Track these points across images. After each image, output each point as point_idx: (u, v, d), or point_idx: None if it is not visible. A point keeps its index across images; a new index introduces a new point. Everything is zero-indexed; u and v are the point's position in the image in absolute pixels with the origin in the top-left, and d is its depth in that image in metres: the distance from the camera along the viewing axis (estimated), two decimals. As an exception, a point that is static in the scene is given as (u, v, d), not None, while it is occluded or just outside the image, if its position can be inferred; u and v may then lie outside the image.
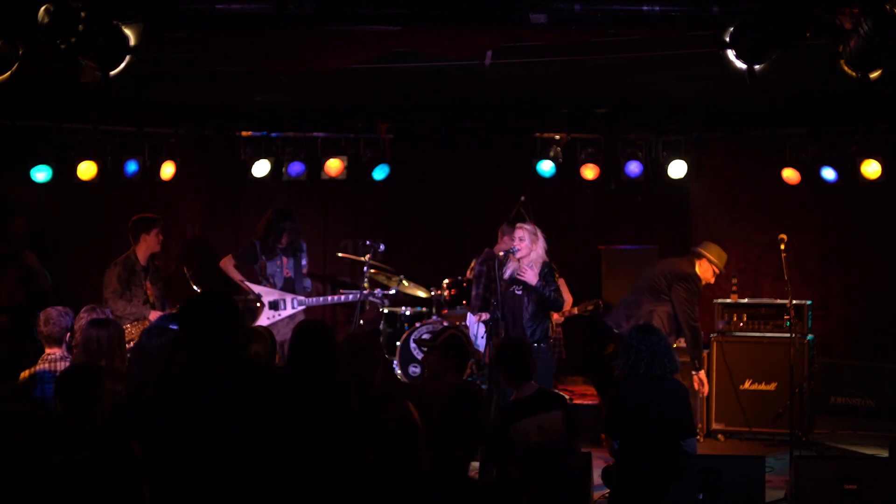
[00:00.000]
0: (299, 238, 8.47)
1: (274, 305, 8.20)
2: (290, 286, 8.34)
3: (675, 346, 7.09)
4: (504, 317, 7.38)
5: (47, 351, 5.57)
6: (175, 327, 5.65)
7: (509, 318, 7.39)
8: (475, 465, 5.73)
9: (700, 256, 7.73)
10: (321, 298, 8.49)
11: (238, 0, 5.41)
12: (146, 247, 7.81)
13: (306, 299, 8.33)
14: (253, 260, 8.42)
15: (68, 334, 5.61)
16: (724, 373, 8.54)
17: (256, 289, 8.24)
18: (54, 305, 5.82)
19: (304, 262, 8.48)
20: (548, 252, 7.33)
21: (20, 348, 5.79)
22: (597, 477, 5.67)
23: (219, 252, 9.15)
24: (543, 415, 5.18)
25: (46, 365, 5.47)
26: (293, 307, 8.24)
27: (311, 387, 4.07)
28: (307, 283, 8.55)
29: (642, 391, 5.29)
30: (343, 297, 8.54)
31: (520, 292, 7.36)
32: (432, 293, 9.27)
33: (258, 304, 8.22)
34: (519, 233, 7.41)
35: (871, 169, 8.83)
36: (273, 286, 8.30)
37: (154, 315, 7.54)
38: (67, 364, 5.40)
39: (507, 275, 7.44)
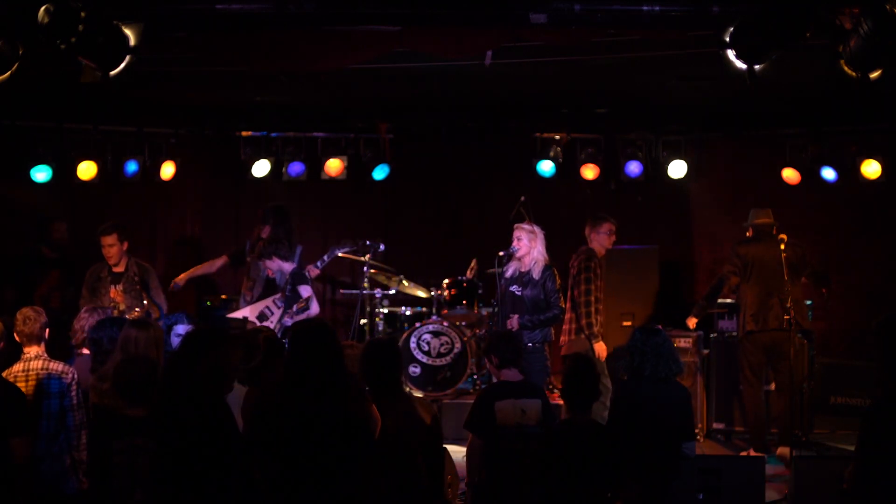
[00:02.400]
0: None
1: (262, 317, 7.93)
2: (272, 287, 8.11)
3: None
4: (504, 315, 7.40)
5: (25, 350, 5.56)
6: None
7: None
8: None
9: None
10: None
11: (238, 0, 5.41)
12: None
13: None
14: (241, 262, 8.34)
15: (47, 331, 5.62)
16: (724, 373, 8.54)
17: (239, 314, 8.01)
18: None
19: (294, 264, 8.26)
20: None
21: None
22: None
23: (217, 251, 9.14)
24: (526, 400, 5.45)
25: (22, 365, 5.47)
26: (278, 307, 7.99)
27: (311, 389, 4.05)
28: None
29: (647, 392, 5.28)
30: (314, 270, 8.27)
31: (519, 293, 7.37)
32: (432, 293, 9.27)
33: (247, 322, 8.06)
34: (517, 233, 7.42)
35: (871, 169, 8.83)
36: (250, 290, 8.15)
37: None
38: (41, 363, 5.42)
39: (507, 274, 7.45)
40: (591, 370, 5.15)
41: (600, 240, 7.99)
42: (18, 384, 5.18)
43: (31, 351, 5.50)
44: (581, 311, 7.67)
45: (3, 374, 5.24)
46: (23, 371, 5.40)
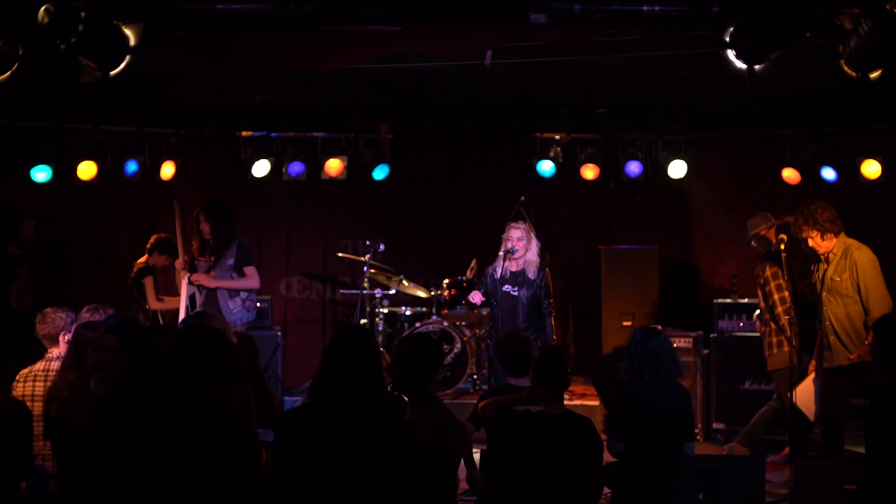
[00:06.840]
0: (221, 236, 7.14)
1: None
2: (209, 300, 7.08)
3: None
4: (501, 315, 7.41)
5: (50, 350, 5.57)
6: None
7: (506, 316, 7.40)
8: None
9: None
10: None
11: (238, 0, 5.41)
12: None
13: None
14: (192, 270, 7.25)
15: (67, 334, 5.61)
16: (724, 373, 8.54)
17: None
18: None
19: (230, 262, 7.08)
20: (542, 252, 7.42)
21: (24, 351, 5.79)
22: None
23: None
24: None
25: (43, 364, 5.48)
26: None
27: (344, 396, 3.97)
28: (236, 302, 7.11)
29: (648, 394, 5.25)
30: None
31: (515, 292, 7.37)
32: (432, 293, 9.28)
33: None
34: (516, 232, 7.41)
35: (871, 169, 8.83)
36: (201, 293, 7.16)
37: None
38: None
39: (497, 274, 7.44)
40: (560, 359, 5.11)
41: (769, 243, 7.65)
42: (37, 383, 5.20)
43: (54, 352, 5.50)
44: (784, 323, 7.25)
45: (25, 371, 5.25)
46: (42, 370, 5.40)
